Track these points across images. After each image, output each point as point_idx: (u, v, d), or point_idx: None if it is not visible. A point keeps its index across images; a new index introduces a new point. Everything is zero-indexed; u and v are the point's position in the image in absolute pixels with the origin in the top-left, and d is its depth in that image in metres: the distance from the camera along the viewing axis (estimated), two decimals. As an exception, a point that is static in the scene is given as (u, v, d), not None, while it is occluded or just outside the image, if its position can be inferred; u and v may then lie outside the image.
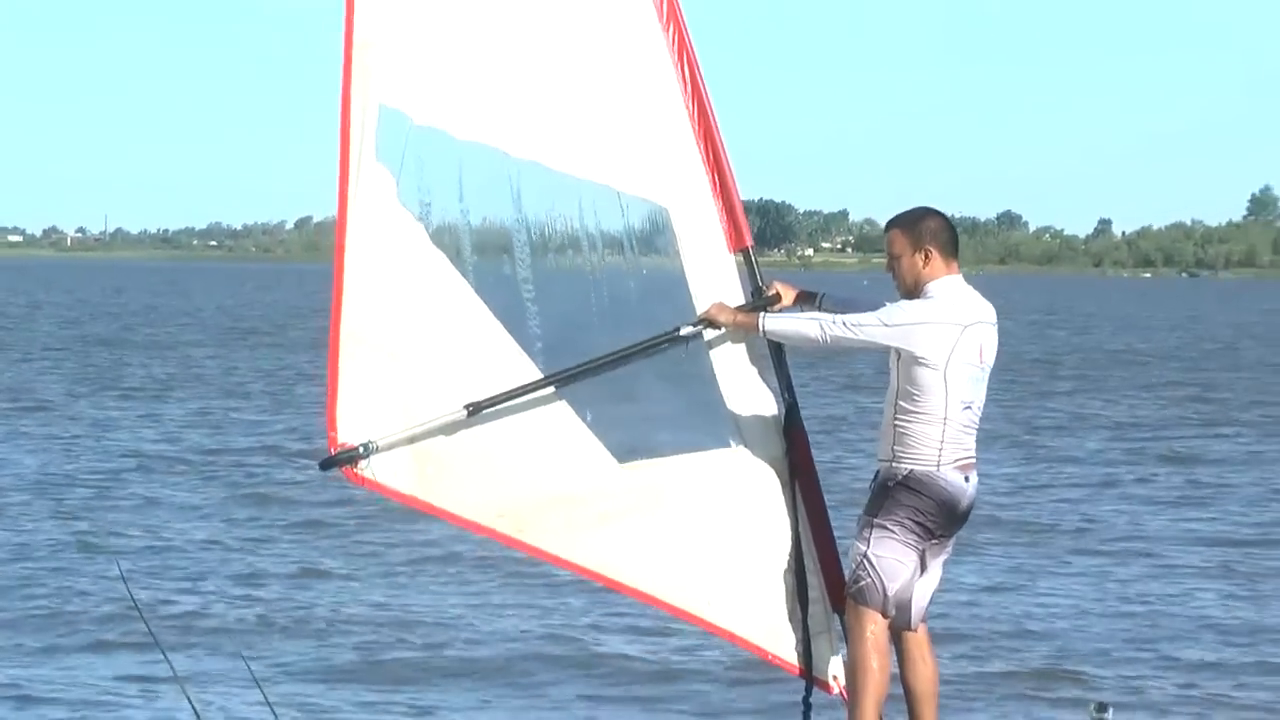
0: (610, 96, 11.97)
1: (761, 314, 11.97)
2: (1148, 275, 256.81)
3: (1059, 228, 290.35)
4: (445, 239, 11.87)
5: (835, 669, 12.30)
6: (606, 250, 12.01)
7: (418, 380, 11.79)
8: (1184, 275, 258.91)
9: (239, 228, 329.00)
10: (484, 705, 15.23)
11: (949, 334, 11.89)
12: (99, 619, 19.04)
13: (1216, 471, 31.21)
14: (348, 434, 11.70)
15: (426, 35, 11.80)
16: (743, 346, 12.07)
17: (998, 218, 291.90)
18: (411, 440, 11.75)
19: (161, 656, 15.68)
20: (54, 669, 16.77)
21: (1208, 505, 26.80)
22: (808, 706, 12.36)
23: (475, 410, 11.79)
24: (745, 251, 12.11)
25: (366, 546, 23.23)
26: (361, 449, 11.64)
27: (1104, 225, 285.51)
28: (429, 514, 12.09)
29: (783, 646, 12.34)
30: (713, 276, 12.06)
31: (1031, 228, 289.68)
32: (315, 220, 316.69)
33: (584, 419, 12.00)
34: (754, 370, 12.15)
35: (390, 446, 11.71)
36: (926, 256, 12.02)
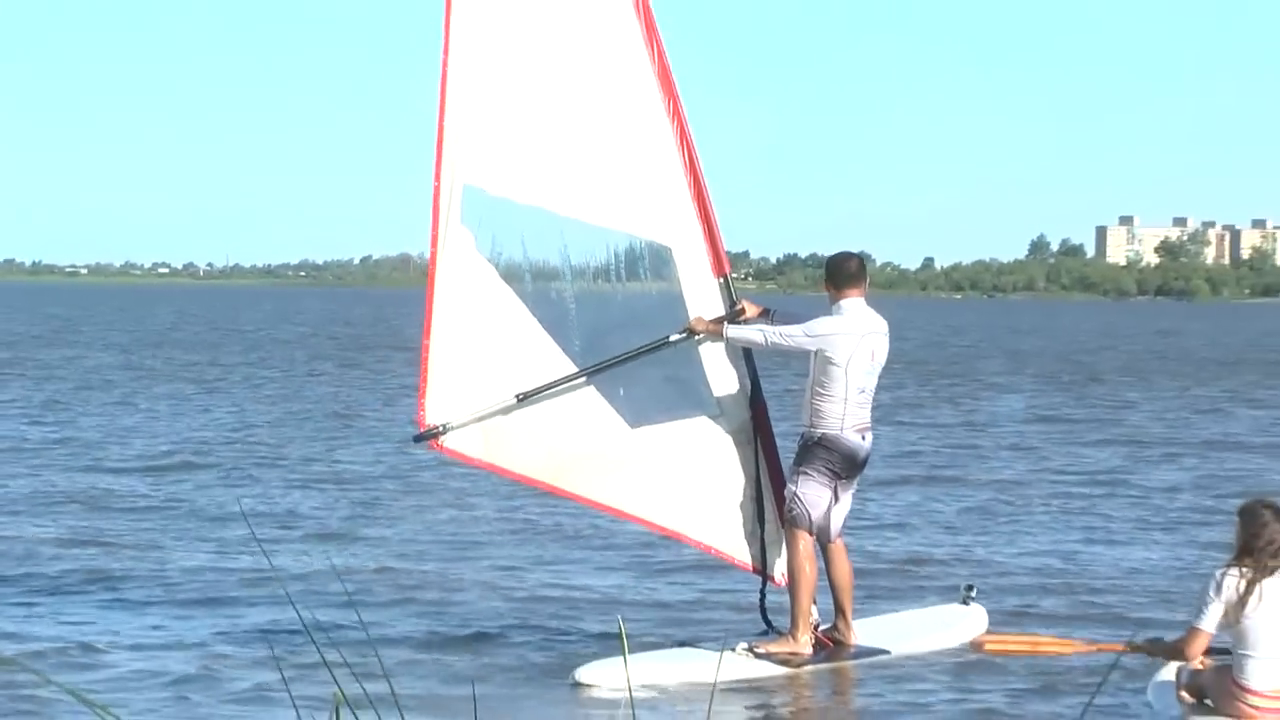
0: (630, 169, 12.15)
1: (725, 324, 12.13)
2: (959, 297, 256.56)
3: (896, 262, 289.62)
4: (511, 275, 12.07)
5: (781, 569, 12.41)
6: (628, 278, 12.19)
7: (484, 377, 11.96)
8: (985, 298, 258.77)
9: (321, 262, 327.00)
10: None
11: (851, 341, 12.07)
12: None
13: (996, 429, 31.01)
14: (432, 417, 11.93)
15: (497, 131, 11.99)
16: (721, 346, 12.22)
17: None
18: (479, 420, 11.93)
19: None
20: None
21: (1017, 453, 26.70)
22: (763, 595, 12.52)
23: (524, 398, 11.96)
24: (725, 278, 12.29)
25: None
26: (441, 428, 11.87)
27: (929, 261, 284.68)
28: (491, 472, 12.26)
29: (744, 553, 12.50)
30: (703, 295, 12.22)
31: (878, 262, 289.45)
32: (374, 258, 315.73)
33: (606, 399, 12.16)
34: (729, 362, 12.29)
35: (463, 425, 11.91)
36: (830, 284, 12.25)
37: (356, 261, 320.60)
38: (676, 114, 12.10)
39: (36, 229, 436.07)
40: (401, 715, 5.48)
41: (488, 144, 11.91)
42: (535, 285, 12.08)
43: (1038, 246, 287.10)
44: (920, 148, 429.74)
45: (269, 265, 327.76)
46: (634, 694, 11.47)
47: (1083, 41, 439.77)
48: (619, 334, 12.16)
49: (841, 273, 12.25)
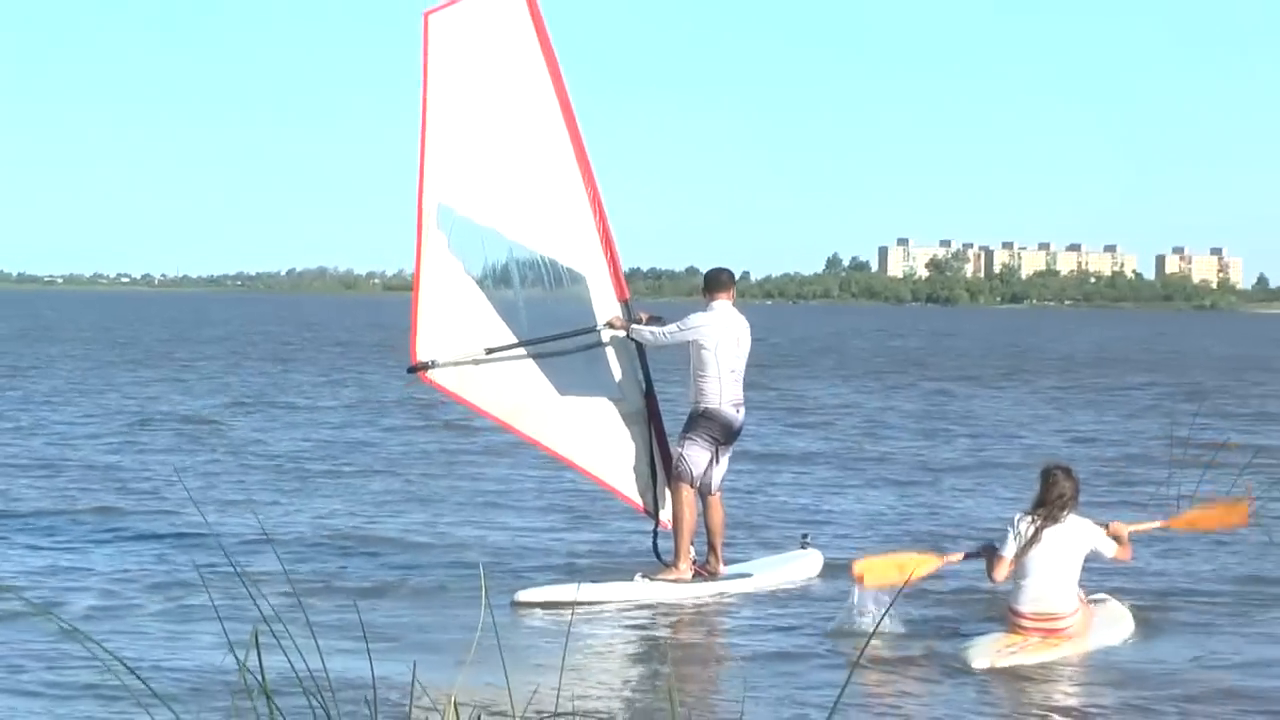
0: (555, 210, 12.78)
1: (630, 325, 12.62)
2: (769, 303, 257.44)
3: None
4: (475, 275, 12.64)
5: (667, 515, 12.87)
6: (555, 288, 12.75)
7: (459, 334, 12.53)
8: (791, 304, 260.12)
9: (254, 274, 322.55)
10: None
11: (717, 330, 12.56)
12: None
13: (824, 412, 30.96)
14: (421, 355, 12.50)
15: (465, 167, 12.56)
16: (622, 348, 12.89)
17: (685, 269, 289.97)
18: (455, 364, 12.52)
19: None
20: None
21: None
22: (655, 535, 12.99)
23: (490, 352, 12.59)
24: (625, 302, 12.94)
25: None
26: (431, 362, 12.41)
27: (745, 273, 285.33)
28: (463, 405, 12.71)
29: (639, 499, 13.01)
30: (608, 311, 12.87)
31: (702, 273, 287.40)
32: (299, 270, 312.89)
33: (544, 374, 12.77)
34: (628, 361, 12.93)
35: (445, 365, 12.49)
36: (705, 290, 12.80)
37: (284, 273, 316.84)
38: (589, 180, 12.81)
39: (20, 241, 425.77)
40: (315, 640, 5.13)
41: (457, 175, 12.53)
42: (494, 285, 12.70)
43: (832, 262, 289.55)
44: (736, 176, 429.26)
45: (212, 275, 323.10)
46: (570, 614, 11.51)
47: (862, 82, 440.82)
48: (551, 325, 12.77)
49: (713, 281, 12.84)
